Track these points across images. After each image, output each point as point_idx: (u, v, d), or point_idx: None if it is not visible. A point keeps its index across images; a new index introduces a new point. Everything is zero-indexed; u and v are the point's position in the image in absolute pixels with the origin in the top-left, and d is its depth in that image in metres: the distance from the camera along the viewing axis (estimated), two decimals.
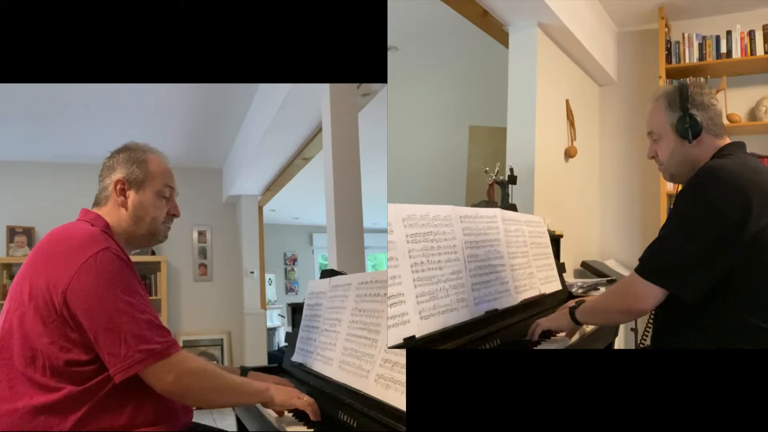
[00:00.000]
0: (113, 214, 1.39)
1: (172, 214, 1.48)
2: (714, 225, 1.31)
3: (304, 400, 1.36)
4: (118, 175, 1.40)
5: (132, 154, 1.43)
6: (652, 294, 1.36)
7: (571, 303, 1.64)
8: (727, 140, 1.51)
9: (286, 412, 1.45)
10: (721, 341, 1.33)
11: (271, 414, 1.46)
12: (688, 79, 3.47)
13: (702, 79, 3.47)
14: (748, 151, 1.50)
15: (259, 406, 1.54)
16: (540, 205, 2.93)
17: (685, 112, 1.47)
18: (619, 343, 3.35)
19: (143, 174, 1.41)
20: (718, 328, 1.34)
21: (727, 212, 1.29)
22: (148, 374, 1.19)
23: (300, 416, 1.42)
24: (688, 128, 1.47)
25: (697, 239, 1.32)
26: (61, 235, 1.29)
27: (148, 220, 1.41)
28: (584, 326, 1.73)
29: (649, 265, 1.38)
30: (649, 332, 1.68)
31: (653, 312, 1.53)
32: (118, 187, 1.39)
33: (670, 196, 3.38)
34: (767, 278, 1.31)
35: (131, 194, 1.40)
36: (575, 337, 1.71)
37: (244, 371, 1.67)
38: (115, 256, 1.23)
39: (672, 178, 1.58)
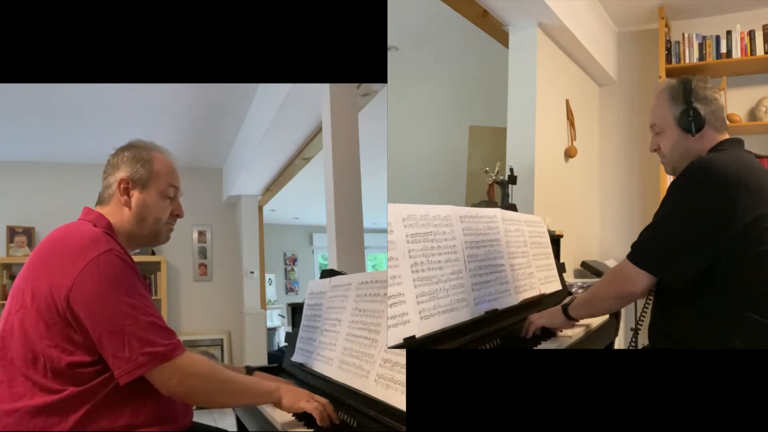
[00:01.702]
0: (116, 214, 1.37)
1: (176, 215, 1.46)
2: (699, 216, 1.33)
3: (313, 404, 1.31)
4: (122, 174, 1.38)
5: (137, 152, 1.40)
6: (640, 279, 1.40)
7: (566, 300, 1.66)
8: (727, 135, 1.52)
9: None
10: (712, 332, 1.34)
11: (271, 414, 1.46)
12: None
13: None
14: (748, 150, 1.51)
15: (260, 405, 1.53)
16: (540, 205, 2.92)
17: (688, 105, 1.49)
18: (619, 343, 3.35)
19: (148, 173, 1.39)
20: (708, 320, 1.35)
21: (714, 205, 1.32)
22: (152, 376, 1.18)
23: (300, 416, 1.42)
24: (692, 121, 1.49)
25: (682, 229, 1.35)
26: (63, 236, 1.28)
27: (152, 221, 1.39)
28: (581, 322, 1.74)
29: (638, 251, 1.42)
30: (641, 326, 1.69)
31: (649, 303, 1.55)
32: (122, 186, 1.37)
33: None
34: (757, 270, 1.32)
35: (135, 194, 1.38)
36: (579, 335, 1.72)
37: (250, 371, 1.65)
38: (118, 258, 1.22)
39: (673, 171, 1.59)
